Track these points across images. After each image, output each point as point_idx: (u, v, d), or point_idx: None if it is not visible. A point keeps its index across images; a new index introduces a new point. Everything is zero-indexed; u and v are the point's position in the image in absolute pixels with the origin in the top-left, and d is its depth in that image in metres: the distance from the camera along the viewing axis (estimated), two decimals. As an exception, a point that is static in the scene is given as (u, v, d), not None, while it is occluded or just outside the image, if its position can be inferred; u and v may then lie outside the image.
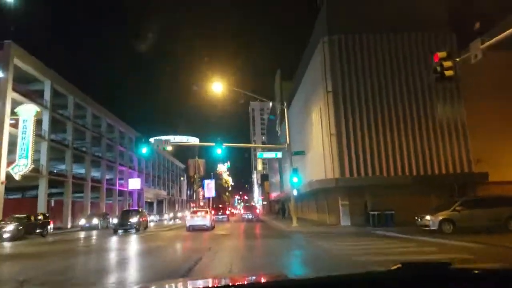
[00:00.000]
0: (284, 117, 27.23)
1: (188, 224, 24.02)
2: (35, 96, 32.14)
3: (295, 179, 23.64)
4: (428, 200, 21.27)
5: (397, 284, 1.57)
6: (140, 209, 29.75)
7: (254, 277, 2.49)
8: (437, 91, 23.25)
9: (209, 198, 79.96)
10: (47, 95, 33.36)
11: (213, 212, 32.47)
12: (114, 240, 18.80)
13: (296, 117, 33.50)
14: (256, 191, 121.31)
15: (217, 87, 23.78)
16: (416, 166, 22.54)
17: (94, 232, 25.73)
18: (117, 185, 51.19)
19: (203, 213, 24.78)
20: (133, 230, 23.69)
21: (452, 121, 23.05)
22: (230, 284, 1.91)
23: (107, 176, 51.57)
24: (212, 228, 24.23)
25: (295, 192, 24.24)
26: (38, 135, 32.24)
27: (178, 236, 20.06)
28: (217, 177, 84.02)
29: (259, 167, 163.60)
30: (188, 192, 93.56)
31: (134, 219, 23.87)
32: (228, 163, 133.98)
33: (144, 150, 22.94)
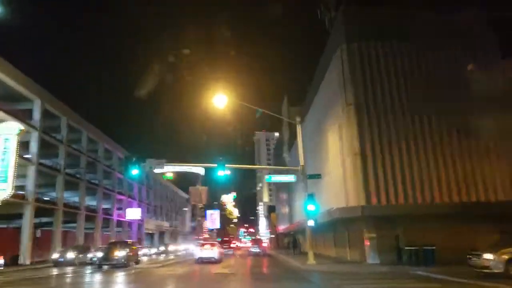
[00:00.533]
0: (296, 137, 24.01)
1: (197, 256, 24.67)
2: (22, 116, 29.39)
3: (311, 207, 20.10)
4: (474, 234, 17.64)
5: None
6: (129, 241, 25.86)
7: None
8: (481, 102, 19.93)
9: (212, 230, 75.65)
10: (36, 115, 30.62)
11: None
12: (75, 282, 15.00)
13: (309, 139, 30.26)
14: (263, 223, 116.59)
15: (220, 102, 20.78)
16: (459, 192, 18.97)
17: (69, 269, 21.39)
18: (115, 215, 47.62)
19: (211, 246, 25.46)
20: (121, 266, 20.05)
21: (499, 138, 19.66)
22: None
23: (104, 205, 48.14)
24: (219, 261, 24.44)
25: (311, 223, 20.60)
26: (25, 159, 29.29)
27: (168, 276, 16.30)
28: (221, 208, 79.71)
29: (265, 198, 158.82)
30: (192, 223, 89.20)
31: (121, 253, 20.25)
32: (234, 193, 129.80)
33: (134, 171, 19.70)
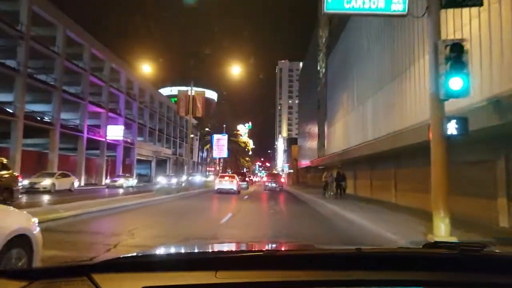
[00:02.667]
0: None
1: (216, 187, 25.74)
2: None
3: (455, 82, 6.52)
4: None
5: (428, 263, 1.39)
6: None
7: (281, 246, 2.33)
8: None
9: (219, 160, 64.28)
10: None
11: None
12: None
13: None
14: (280, 157, 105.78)
15: None
16: None
17: None
18: (85, 132, 35.21)
19: (230, 178, 26.52)
20: None
21: None
22: (252, 249, 1.82)
23: (72, 119, 35.94)
24: (238, 192, 25.57)
25: (451, 129, 6.90)
26: None
27: None
28: (234, 135, 67.37)
29: (284, 132, 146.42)
30: (201, 153, 77.87)
31: None
32: (250, 123, 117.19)
33: None
